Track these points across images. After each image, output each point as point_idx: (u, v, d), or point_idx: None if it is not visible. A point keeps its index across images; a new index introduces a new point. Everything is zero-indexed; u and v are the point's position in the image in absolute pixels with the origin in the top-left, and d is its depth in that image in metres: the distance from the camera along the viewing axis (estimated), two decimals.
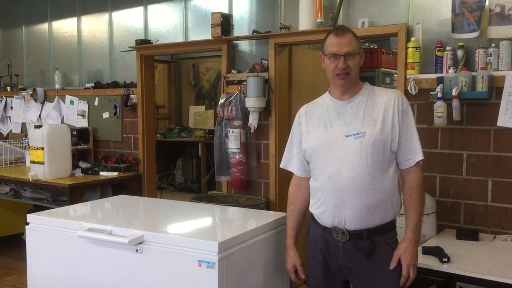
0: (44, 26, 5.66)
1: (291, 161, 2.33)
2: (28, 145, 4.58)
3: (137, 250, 2.29)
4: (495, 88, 2.91)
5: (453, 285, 2.94)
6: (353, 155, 2.05)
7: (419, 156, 2.11)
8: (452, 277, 2.35)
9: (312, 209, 2.23)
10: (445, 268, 2.34)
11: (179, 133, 7.98)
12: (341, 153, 2.07)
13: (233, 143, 3.87)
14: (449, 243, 2.69)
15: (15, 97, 5.82)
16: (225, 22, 3.95)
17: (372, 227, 2.08)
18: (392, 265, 2.08)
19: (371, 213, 2.06)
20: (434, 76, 3.07)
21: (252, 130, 3.86)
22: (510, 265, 2.37)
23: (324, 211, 2.14)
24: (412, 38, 3.15)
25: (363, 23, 3.38)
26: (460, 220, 3.07)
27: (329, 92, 2.23)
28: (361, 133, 2.05)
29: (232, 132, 3.87)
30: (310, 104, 2.30)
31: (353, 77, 2.10)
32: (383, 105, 2.08)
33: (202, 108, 8.40)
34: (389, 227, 2.13)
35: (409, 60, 3.15)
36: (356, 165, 2.04)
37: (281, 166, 2.39)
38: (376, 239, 2.08)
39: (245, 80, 3.81)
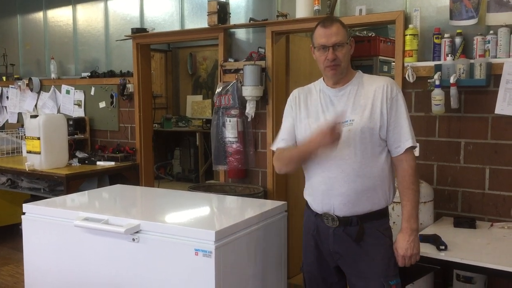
0: (39, 15, 5.61)
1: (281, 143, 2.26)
2: (25, 135, 4.56)
3: (133, 239, 2.29)
4: (493, 75, 2.90)
5: (450, 272, 2.96)
6: (342, 142, 2.03)
7: (408, 143, 2.08)
8: (449, 264, 2.35)
9: (305, 195, 2.24)
10: (442, 256, 2.34)
11: (176, 122, 7.96)
12: None
13: (230, 132, 3.86)
14: (447, 231, 2.69)
15: (11, 87, 5.79)
16: (221, 10, 3.92)
17: (362, 213, 2.09)
18: (398, 259, 2.10)
19: (360, 200, 2.07)
20: (432, 63, 3.06)
21: (249, 119, 3.84)
22: (507, 252, 2.37)
23: (314, 197, 2.16)
24: (410, 26, 3.13)
25: (360, 10, 3.35)
26: (457, 208, 3.07)
27: (323, 79, 2.21)
28: (350, 120, 2.05)
29: (229, 121, 3.85)
30: (303, 89, 2.27)
31: (344, 67, 2.10)
32: (372, 92, 2.08)
33: (199, 97, 8.37)
34: (380, 214, 2.13)
35: (407, 48, 3.13)
36: (344, 153, 2.05)
37: (273, 148, 2.31)
38: (366, 225, 2.09)
39: (242, 69, 3.78)
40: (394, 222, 2.63)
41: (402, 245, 2.08)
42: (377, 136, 2.07)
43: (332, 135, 1.94)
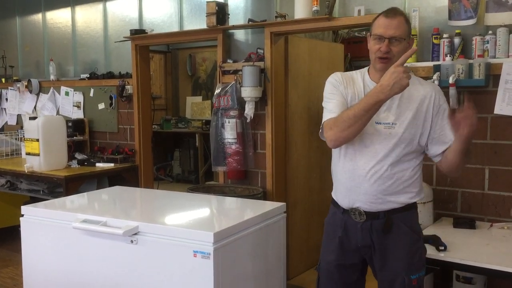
0: (38, 16, 5.61)
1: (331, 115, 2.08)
2: (24, 136, 4.56)
3: (132, 241, 2.28)
4: (492, 75, 2.89)
5: (450, 273, 2.95)
6: (379, 143, 2.02)
7: None
8: (449, 265, 2.35)
9: (332, 193, 2.23)
10: (442, 256, 2.34)
11: (176, 124, 7.95)
12: (368, 139, 2.03)
13: (229, 133, 3.85)
14: (446, 231, 2.69)
15: (10, 89, 5.79)
16: (220, 11, 3.92)
17: (388, 209, 2.07)
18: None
19: (387, 201, 2.05)
20: (431, 64, 3.05)
21: (248, 120, 3.84)
22: (507, 253, 2.37)
23: (341, 191, 2.14)
24: None
25: (359, 11, 3.34)
26: (457, 209, 3.07)
27: (367, 71, 2.14)
28: (392, 123, 2.02)
29: (228, 122, 3.85)
30: (345, 74, 2.16)
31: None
32: (418, 97, 2.03)
33: (199, 98, 8.37)
34: (407, 207, 2.10)
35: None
36: (380, 154, 2.02)
37: (324, 120, 2.08)
38: (393, 217, 2.07)
39: (241, 70, 3.78)
40: None
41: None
42: (416, 142, 2.04)
43: (406, 72, 1.81)
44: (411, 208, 2.13)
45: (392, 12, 2.02)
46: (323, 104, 2.13)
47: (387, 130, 2.02)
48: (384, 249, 2.10)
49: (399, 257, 2.08)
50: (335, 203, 2.21)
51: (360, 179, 2.05)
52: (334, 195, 2.22)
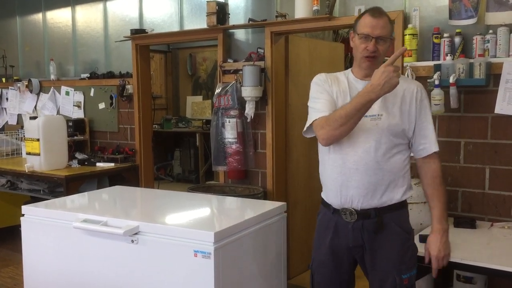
0: (39, 16, 5.61)
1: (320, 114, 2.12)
2: (24, 136, 4.56)
3: (132, 241, 2.28)
4: (493, 75, 2.89)
5: (450, 272, 2.95)
6: (367, 135, 2.04)
7: (435, 147, 2.12)
8: (449, 265, 2.34)
9: (322, 193, 2.24)
10: None
11: (176, 123, 7.96)
12: (356, 132, 2.05)
13: (229, 132, 3.85)
14: None
15: (11, 88, 5.79)
16: (220, 10, 3.92)
17: (380, 206, 2.08)
18: (426, 259, 2.14)
19: (378, 193, 2.07)
20: (431, 63, 3.05)
21: (248, 120, 3.84)
22: (508, 252, 2.37)
23: (331, 188, 2.14)
24: (409, 25, 3.12)
25: (359, 10, 3.34)
26: (457, 208, 3.07)
27: (351, 70, 2.18)
28: (378, 115, 2.05)
29: (229, 122, 3.85)
30: (329, 74, 2.21)
31: (380, 62, 2.07)
32: (401, 92, 2.07)
33: (199, 98, 8.37)
34: (398, 206, 2.12)
35: (406, 48, 3.12)
36: (369, 146, 2.04)
37: (310, 122, 2.12)
38: (384, 216, 2.08)
39: (241, 70, 3.78)
40: None
41: (435, 246, 2.11)
42: (403, 134, 2.08)
43: (396, 71, 1.88)
44: (401, 207, 2.14)
45: (378, 12, 2.08)
46: (310, 104, 2.16)
47: (374, 121, 2.05)
48: (375, 249, 2.10)
49: (390, 256, 2.09)
50: (325, 203, 2.22)
51: (350, 172, 2.07)
52: (325, 195, 2.22)
